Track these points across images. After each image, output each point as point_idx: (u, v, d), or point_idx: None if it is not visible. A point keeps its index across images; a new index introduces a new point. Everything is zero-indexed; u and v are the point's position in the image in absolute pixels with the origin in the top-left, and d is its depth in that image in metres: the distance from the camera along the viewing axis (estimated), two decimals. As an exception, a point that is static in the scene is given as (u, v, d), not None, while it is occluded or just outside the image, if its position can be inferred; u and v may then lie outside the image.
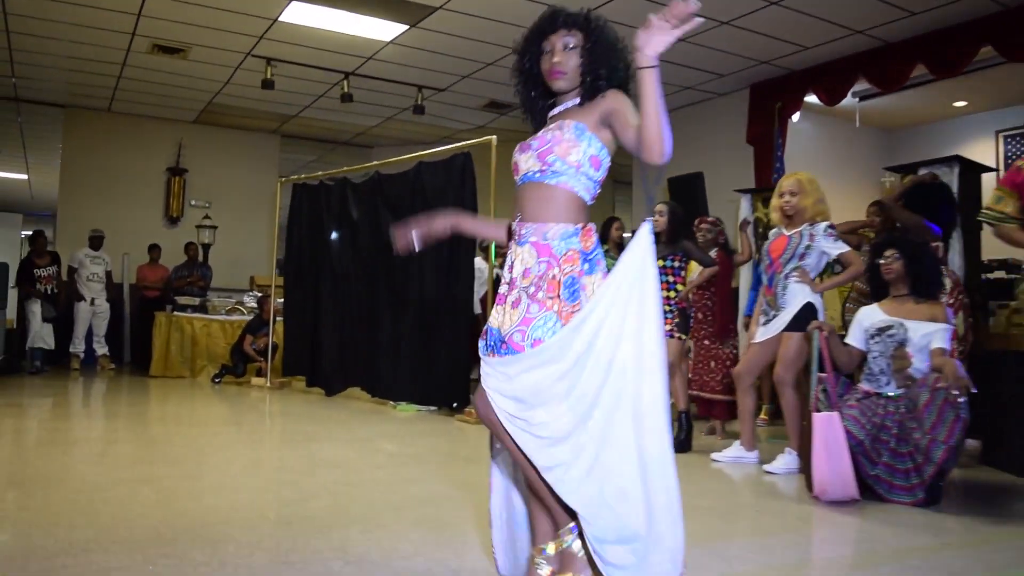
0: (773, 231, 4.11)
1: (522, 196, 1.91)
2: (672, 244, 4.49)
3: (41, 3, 6.18)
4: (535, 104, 1.99)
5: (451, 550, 2.37)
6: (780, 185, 4.02)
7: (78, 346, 8.24)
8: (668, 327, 4.40)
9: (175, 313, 7.98)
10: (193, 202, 9.87)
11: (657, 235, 4.49)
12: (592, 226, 1.88)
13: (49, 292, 7.96)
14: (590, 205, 1.91)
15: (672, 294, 4.43)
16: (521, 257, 1.86)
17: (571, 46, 1.87)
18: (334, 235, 6.86)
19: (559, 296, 1.79)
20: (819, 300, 3.88)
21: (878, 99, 7.60)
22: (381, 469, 3.67)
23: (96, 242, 8.34)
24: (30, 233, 9.18)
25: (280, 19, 6.42)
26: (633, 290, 1.74)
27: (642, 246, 1.76)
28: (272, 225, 10.24)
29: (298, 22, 6.48)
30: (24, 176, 13.15)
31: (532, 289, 1.81)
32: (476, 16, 6.22)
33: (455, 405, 5.72)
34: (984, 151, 7.68)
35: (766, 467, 3.90)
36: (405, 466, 3.75)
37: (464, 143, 6.05)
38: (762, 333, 3.99)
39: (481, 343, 1.93)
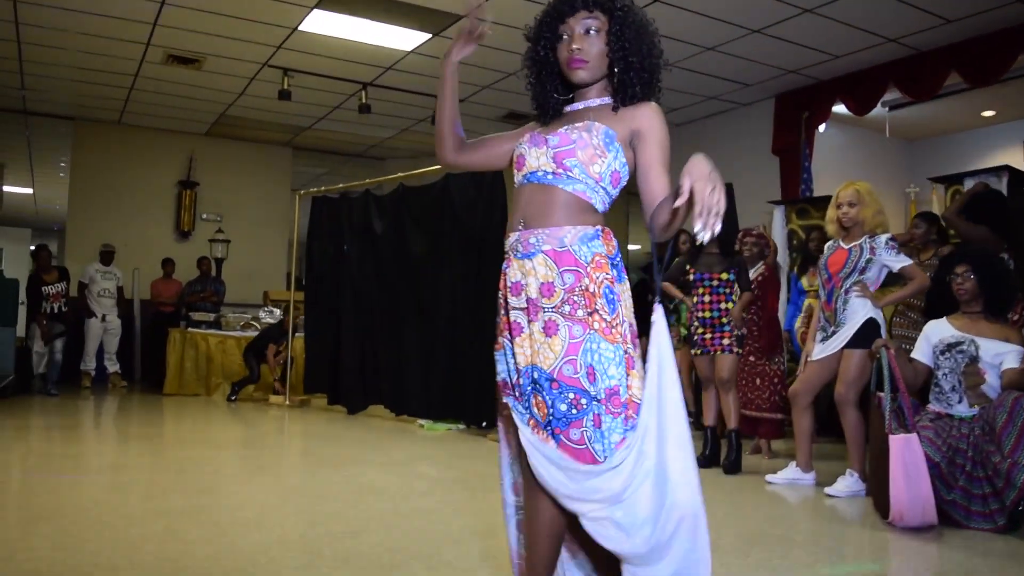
0: (829, 244, 3.94)
1: (525, 198, 1.62)
2: (729, 257, 4.38)
3: (54, 13, 6.02)
4: (550, 99, 1.70)
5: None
6: (837, 195, 3.85)
7: (89, 363, 8.04)
8: (727, 341, 4.29)
9: (189, 329, 7.79)
10: (204, 216, 9.71)
11: (709, 244, 4.34)
12: (610, 230, 1.62)
13: (58, 310, 7.76)
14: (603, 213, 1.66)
15: (730, 305, 4.31)
16: (534, 272, 1.57)
17: (593, 31, 1.60)
18: (357, 248, 6.67)
19: (596, 310, 1.52)
20: (880, 315, 3.72)
21: (904, 109, 7.47)
22: (428, 496, 3.48)
23: (107, 257, 8.15)
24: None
25: (300, 28, 6.27)
26: (661, 381, 1.50)
27: (662, 333, 1.51)
28: (285, 239, 10.08)
29: (318, 31, 6.34)
30: (30, 191, 12.97)
31: (568, 308, 1.53)
32: (501, 24, 6.00)
33: (484, 424, 5.54)
34: (1012, 161, 7.52)
35: (827, 490, 3.72)
36: (451, 492, 3.57)
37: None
38: (820, 350, 3.81)
39: (510, 400, 1.62)
